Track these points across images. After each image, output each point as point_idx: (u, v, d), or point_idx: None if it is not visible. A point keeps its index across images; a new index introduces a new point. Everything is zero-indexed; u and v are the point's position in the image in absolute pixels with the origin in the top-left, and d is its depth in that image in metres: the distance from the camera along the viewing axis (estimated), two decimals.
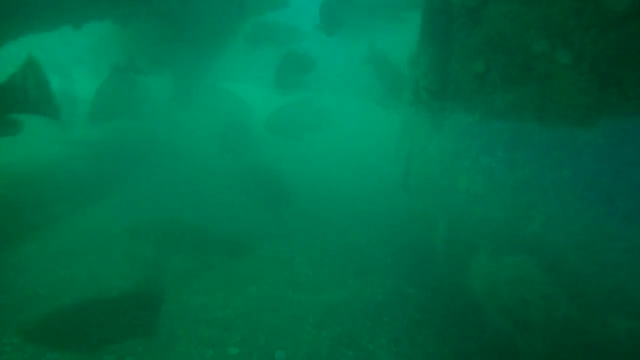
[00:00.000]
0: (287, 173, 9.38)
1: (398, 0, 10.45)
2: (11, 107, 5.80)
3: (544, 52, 3.46)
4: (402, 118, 6.66)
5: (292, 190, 8.39)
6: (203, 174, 10.53)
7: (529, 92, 3.62)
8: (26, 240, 6.68)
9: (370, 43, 9.69)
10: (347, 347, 5.01)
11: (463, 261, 4.47)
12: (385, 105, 8.98)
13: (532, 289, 3.56)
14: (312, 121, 11.43)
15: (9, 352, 4.49)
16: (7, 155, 8.27)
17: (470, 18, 4.19)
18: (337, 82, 13.50)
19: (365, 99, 11.41)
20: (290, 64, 9.11)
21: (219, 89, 13.36)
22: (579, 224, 3.25)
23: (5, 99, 5.66)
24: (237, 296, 5.96)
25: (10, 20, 6.41)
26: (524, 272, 3.64)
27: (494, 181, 3.92)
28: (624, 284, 3.02)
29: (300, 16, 11.65)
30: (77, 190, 8.15)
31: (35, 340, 4.63)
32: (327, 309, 5.67)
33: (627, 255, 2.99)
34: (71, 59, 12.69)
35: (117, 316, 5.16)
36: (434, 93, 5.31)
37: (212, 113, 12.15)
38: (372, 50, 9.53)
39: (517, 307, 3.71)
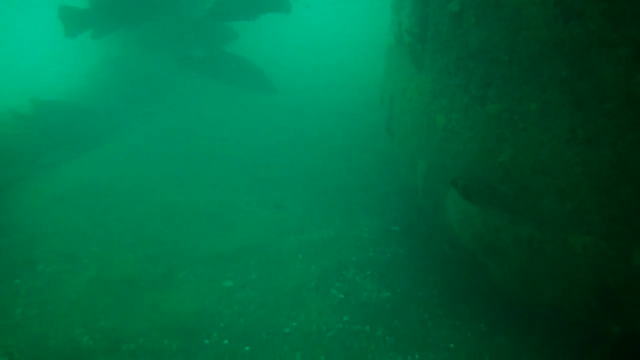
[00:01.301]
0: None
1: None
2: None
3: None
4: (385, 63, 6.76)
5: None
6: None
7: (501, 29, 3.76)
8: (21, 188, 6.87)
9: None
10: (334, 279, 5.37)
11: (440, 196, 4.76)
12: None
13: (501, 215, 3.86)
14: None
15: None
16: None
17: None
18: None
19: None
20: None
21: None
22: (543, 154, 3.50)
23: None
24: (229, 237, 6.27)
25: None
26: (491, 211, 3.93)
27: (469, 117, 4.13)
28: (581, 204, 3.31)
29: None
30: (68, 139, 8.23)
31: None
32: (316, 247, 6.01)
33: (585, 178, 3.26)
34: None
35: None
36: (416, 36, 5.41)
37: None
38: None
39: (488, 233, 4.02)
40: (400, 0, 6.59)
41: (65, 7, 9.20)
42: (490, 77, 3.90)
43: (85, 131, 8.60)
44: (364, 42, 15.73)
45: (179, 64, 10.62)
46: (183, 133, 9.95)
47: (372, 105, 10.18)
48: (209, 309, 4.88)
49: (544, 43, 3.41)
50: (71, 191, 6.95)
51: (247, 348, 4.41)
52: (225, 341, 4.47)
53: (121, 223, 6.30)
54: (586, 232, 3.33)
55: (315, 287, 5.25)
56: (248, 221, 6.71)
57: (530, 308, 4.17)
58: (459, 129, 4.27)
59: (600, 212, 3.23)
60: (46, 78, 13.77)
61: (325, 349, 4.38)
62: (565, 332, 4.02)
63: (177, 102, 11.38)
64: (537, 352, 4.15)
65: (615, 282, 3.23)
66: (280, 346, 4.43)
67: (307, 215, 6.85)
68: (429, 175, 4.84)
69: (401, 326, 4.62)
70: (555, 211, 3.47)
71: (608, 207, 3.19)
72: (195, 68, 10.64)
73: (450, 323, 4.62)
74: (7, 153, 7.04)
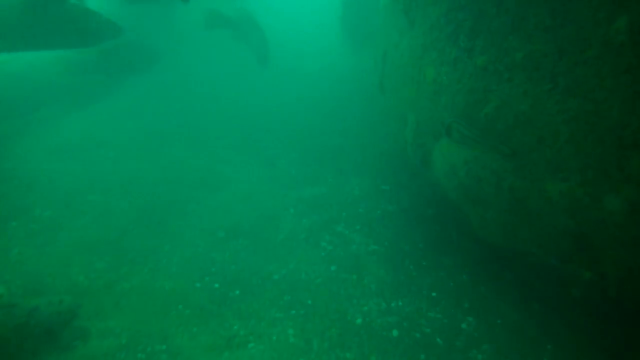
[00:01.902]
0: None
1: None
2: None
3: None
4: (380, 21, 6.74)
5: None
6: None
7: None
8: (18, 140, 6.97)
9: None
10: (324, 232, 5.52)
11: (428, 149, 4.85)
12: None
13: (485, 166, 3.97)
14: None
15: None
16: None
17: None
18: None
19: None
20: None
21: None
22: (526, 103, 3.57)
23: None
24: (223, 192, 6.40)
25: None
26: (478, 152, 4.03)
27: (457, 69, 4.18)
28: (559, 153, 3.40)
29: None
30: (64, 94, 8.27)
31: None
32: (308, 202, 6.15)
33: (564, 127, 3.34)
34: None
35: None
36: None
37: None
38: None
39: (471, 183, 4.14)
40: None
41: None
42: (479, 28, 3.93)
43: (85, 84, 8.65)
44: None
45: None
46: (183, 89, 9.99)
47: (368, 69, 10.14)
48: (201, 255, 5.05)
49: None
50: (68, 144, 7.06)
51: (237, 292, 4.60)
52: (216, 285, 4.66)
53: (117, 175, 6.43)
54: (563, 180, 3.43)
55: (305, 238, 5.41)
56: (243, 177, 6.84)
57: (510, 258, 4.33)
58: (447, 81, 4.33)
59: (577, 160, 3.33)
60: None
61: (313, 293, 4.56)
62: (541, 279, 4.19)
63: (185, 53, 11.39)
64: (514, 299, 4.33)
65: (588, 227, 3.35)
66: (269, 290, 4.61)
67: (300, 173, 6.97)
68: (418, 129, 4.93)
69: (386, 276, 4.80)
70: (535, 160, 3.56)
71: (584, 155, 3.28)
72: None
73: (433, 274, 4.79)
74: (1, 105, 7.11)
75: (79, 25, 6.90)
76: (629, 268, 3.29)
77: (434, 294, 4.53)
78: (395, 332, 4.11)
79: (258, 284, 4.69)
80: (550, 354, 3.82)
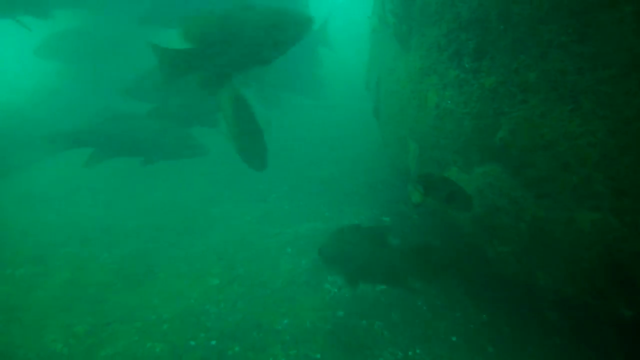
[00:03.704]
0: None
1: None
2: None
3: None
4: (370, 46, 6.52)
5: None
6: None
7: None
8: None
9: None
10: (326, 273, 5.10)
11: None
12: None
13: (501, 194, 3.64)
14: None
15: None
16: None
17: None
18: None
19: None
20: None
21: None
22: (545, 126, 3.28)
23: None
24: (213, 232, 5.96)
25: None
26: (493, 180, 3.71)
27: (462, 92, 3.90)
28: (588, 179, 3.09)
29: None
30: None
31: None
32: (305, 239, 5.74)
33: (591, 150, 3.05)
34: None
35: None
36: (401, 16, 5.18)
37: None
38: None
39: (487, 214, 3.80)
40: None
41: None
42: (485, 48, 3.67)
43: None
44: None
45: None
46: None
47: (357, 95, 9.91)
48: (195, 308, 4.58)
49: (539, 7, 3.19)
50: (41, 190, 6.57)
51: (236, 348, 4.13)
52: (213, 342, 4.18)
53: (95, 222, 5.94)
54: (593, 209, 3.11)
55: (306, 281, 4.99)
56: (233, 214, 6.42)
57: (533, 294, 3.96)
58: (452, 105, 4.04)
59: (609, 186, 3.02)
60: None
61: (321, 346, 4.12)
62: (571, 318, 3.83)
63: None
64: (542, 340, 3.96)
65: (627, 260, 3.02)
66: (272, 344, 4.15)
67: (294, 207, 6.58)
68: (422, 157, 4.61)
69: (399, 320, 4.39)
70: (559, 187, 3.25)
71: (616, 180, 2.98)
72: None
73: (450, 315, 4.40)
74: None
75: None
76: None
77: (453, 339, 4.12)
78: None
79: (259, 338, 4.23)
80: None
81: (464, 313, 4.36)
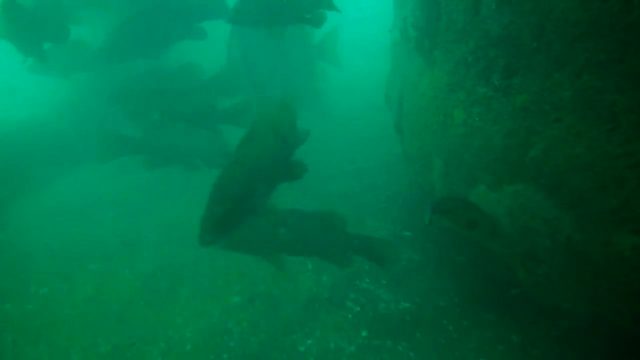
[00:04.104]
0: None
1: None
2: None
3: None
4: (391, 59, 6.46)
5: None
6: None
7: (526, 13, 3.46)
8: (11, 205, 6.52)
9: None
10: (348, 290, 5.03)
11: (461, 196, 4.42)
12: None
13: (535, 215, 3.54)
14: None
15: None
16: None
17: None
18: None
19: None
20: None
21: None
22: (581, 146, 3.18)
23: None
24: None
25: None
26: (525, 200, 3.61)
27: (492, 110, 3.81)
28: (627, 201, 2.99)
29: None
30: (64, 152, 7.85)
31: None
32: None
33: (632, 172, 2.94)
34: None
35: None
36: (423, 30, 5.11)
37: None
38: None
39: (519, 235, 3.70)
40: None
41: None
42: (515, 65, 3.59)
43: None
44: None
45: None
46: None
47: (376, 106, 9.83)
48: (217, 327, 4.53)
49: (576, 24, 3.10)
50: (65, 205, 6.60)
51: None
52: None
53: (117, 238, 5.94)
54: (634, 232, 3.00)
55: (328, 299, 4.92)
56: None
57: (567, 316, 3.84)
58: (480, 123, 3.96)
59: None
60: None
61: None
62: (609, 343, 3.69)
63: None
64: None
65: None
66: None
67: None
68: (448, 174, 4.52)
69: (424, 340, 4.29)
70: (597, 210, 3.14)
71: None
72: None
73: (477, 334, 4.29)
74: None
75: None
76: None
77: None
78: None
79: None
80: None
81: (492, 333, 4.24)
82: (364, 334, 4.41)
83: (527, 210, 3.61)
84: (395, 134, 6.53)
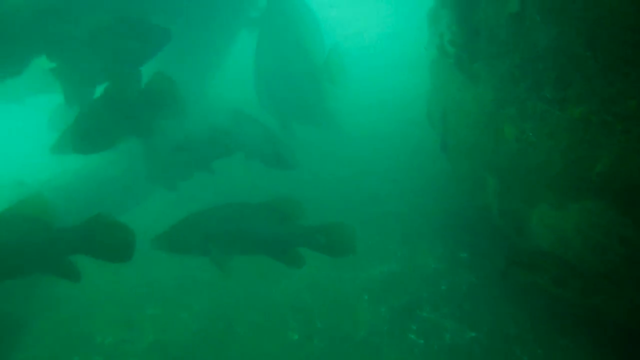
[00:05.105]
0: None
1: None
2: None
3: None
4: (430, 77, 6.33)
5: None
6: None
7: (575, 23, 3.28)
8: None
9: None
10: (409, 321, 4.85)
11: (522, 216, 4.19)
12: None
13: (609, 233, 3.29)
14: None
15: None
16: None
17: None
18: None
19: None
20: None
21: None
22: None
23: None
24: (284, 281, 5.80)
25: None
26: (595, 218, 3.37)
27: (547, 124, 3.61)
28: None
29: None
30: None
31: None
32: (380, 284, 5.50)
33: None
34: None
35: None
36: (461, 45, 4.99)
37: None
38: None
39: (592, 255, 3.44)
40: (436, 10, 6.20)
41: None
42: (569, 76, 3.40)
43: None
44: None
45: None
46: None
47: (417, 122, 9.61)
48: None
49: (636, 30, 2.91)
50: None
51: None
52: None
53: (172, 278, 5.99)
54: None
55: (389, 331, 4.75)
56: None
57: None
58: (535, 138, 3.76)
59: None
60: None
61: None
62: None
63: None
64: None
65: None
66: None
67: (364, 248, 6.35)
68: (504, 193, 4.31)
69: None
70: None
71: None
72: None
73: None
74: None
75: None
76: None
77: None
78: None
79: None
80: None
81: None
82: None
83: (600, 229, 3.36)
84: (440, 152, 6.35)
